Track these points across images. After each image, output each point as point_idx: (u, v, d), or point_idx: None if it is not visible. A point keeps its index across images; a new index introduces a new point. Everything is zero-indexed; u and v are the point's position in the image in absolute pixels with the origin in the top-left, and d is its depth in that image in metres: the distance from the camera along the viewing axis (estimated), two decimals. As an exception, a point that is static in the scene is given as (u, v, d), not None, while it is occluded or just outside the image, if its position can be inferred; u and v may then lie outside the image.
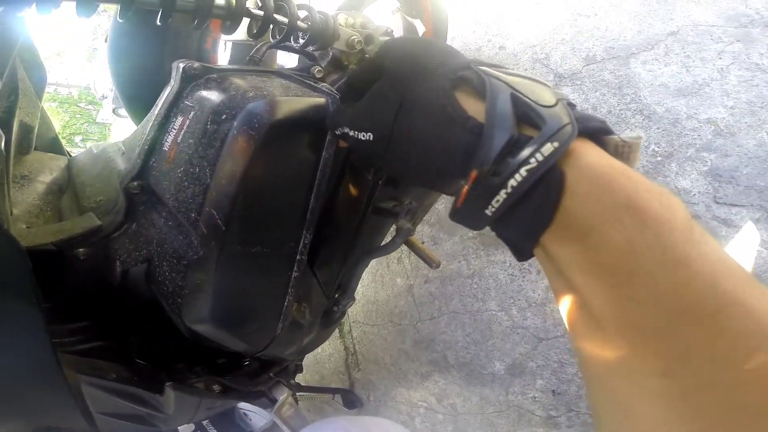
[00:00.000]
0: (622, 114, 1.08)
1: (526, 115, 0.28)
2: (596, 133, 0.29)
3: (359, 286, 0.87)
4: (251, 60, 0.57)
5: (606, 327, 0.25)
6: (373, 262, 1.01)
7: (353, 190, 0.59)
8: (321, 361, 1.58)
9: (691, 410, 0.22)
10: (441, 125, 0.31)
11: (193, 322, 0.53)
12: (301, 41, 0.52)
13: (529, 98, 0.29)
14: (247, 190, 0.46)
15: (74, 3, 0.38)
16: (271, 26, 0.49)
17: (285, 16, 0.48)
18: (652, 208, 0.24)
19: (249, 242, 0.50)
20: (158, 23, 0.42)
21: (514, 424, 1.11)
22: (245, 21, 0.47)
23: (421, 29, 1.01)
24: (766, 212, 0.88)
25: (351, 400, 1.42)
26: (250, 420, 1.13)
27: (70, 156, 0.83)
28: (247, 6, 0.46)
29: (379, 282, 1.44)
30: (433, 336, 1.28)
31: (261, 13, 0.47)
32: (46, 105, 1.06)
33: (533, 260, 0.31)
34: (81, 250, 0.51)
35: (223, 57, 0.85)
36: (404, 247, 0.69)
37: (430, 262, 0.69)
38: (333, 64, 0.55)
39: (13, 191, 0.62)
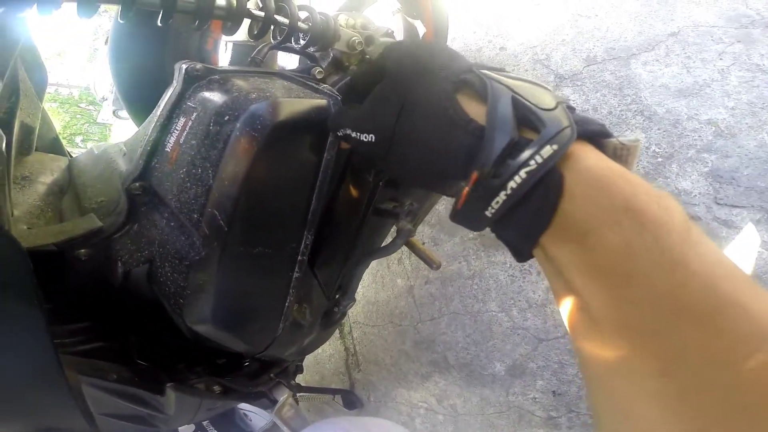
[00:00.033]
0: (622, 115, 1.08)
1: (527, 118, 0.29)
2: (595, 136, 0.29)
3: (360, 286, 0.87)
4: (253, 61, 0.57)
5: (604, 328, 0.25)
6: (374, 263, 1.01)
7: (354, 192, 0.59)
8: (321, 361, 1.58)
9: (689, 410, 0.22)
10: (443, 127, 0.31)
11: (195, 322, 0.53)
12: (302, 42, 0.52)
13: (529, 101, 0.29)
14: (250, 191, 0.46)
15: (75, 4, 0.38)
16: (272, 27, 0.49)
17: (286, 17, 0.48)
18: (650, 211, 0.24)
19: (251, 243, 0.50)
20: (159, 24, 0.43)
21: (514, 424, 1.11)
22: (246, 22, 0.47)
23: (421, 30, 1.01)
24: (767, 213, 0.88)
25: (351, 401, 1.42)
26: (251, 421, 1.13)
27: (71, 157, 0.83)
28: (248, 7, 0.46)
29: (379, 283, 1.44)
30: (434, 337, 1.28)
31: (262, 14, 0.47)
32: (47, 105, 1.06)
33: (533, 261, 0.31)
34: (82, 251, 0.51)
35: (223, 58, 0.85)
36: (405, 248, 0.69)
37: (431, 263, 0.69)
38: (334, 65, 0.55)
39: (14, 192, 0.62)
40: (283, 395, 0.85)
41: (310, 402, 1.55)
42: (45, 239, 0.50)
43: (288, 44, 0.52)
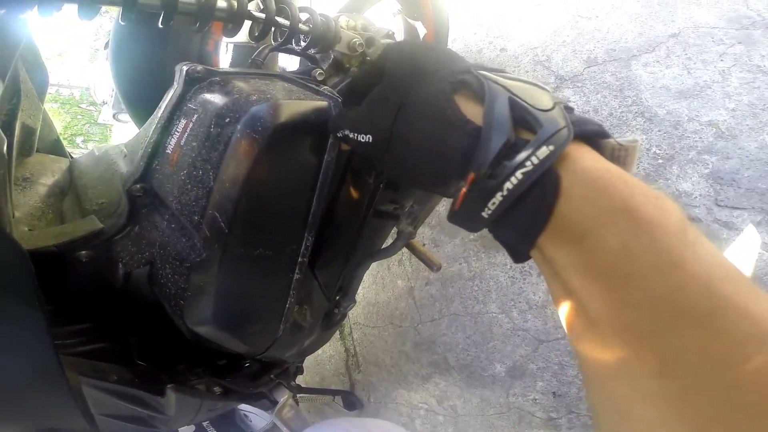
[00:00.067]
0: (623, 116, 1.08)
1: (523, 119, 0.29)
2: (593, 136, 0.29)
3: (360, 288, 0.87)
4: (253, 63, 0.57)
5: (602, 329, 0.25)
6: (374, 265, 1.01)
7: (354, 193, 0.59)
8: (322, 362, 1.58)
9: (688, 411, 0.22)
10: (440, 128, 0.31)
11: (195, 323, 0.54)
12: (303, 44, 0.52)
13: (526, 102, 0.29)
14: (251, 193, 0.46)
15: (76, 6, 0.38)
16: (273, 29, 0.49)
17: (286, 18, 0.48)
18: (647, 212, 0.24)
19: (251, 245, 0.50)
20: (160, 26, 0.43)
21: (514, 425, 1.11)
22: (247, 24, 0.48)
23: (422, 32, 1.01)
24: (767, 215, 0.88)
25: (351, 402, 1.42)
26: (251, 421, 1.13)
27: (72, 158, 0.83)
28: (248, 9, 0.46)
29: (380, 284, 1.44)
30: (434, 338, 1.28)
31: (263, 15, 0.47)
32: (48, 106, 1.06)
33: (533, 263, 0.31)
34: (83, 252, 0.52)
35: (224, 59, 0.85)
36: (405, 250, 0.69)
37: (431, 264, 0.69)
38: (334, 67, 0.56)
39: (15, 194, 0.62)
40: (284, 396, 0.85)
41: (310, 403, 1.55)
42: (46, 241, 0.50)
43: (289, 46, 0.53)
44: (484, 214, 0.29)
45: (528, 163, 0.26)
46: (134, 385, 0.56)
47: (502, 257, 1.19)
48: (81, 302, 0.55)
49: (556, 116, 0.28)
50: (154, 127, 0.51)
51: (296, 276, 0.55)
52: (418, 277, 1.35)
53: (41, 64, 0.79)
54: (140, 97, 0.87)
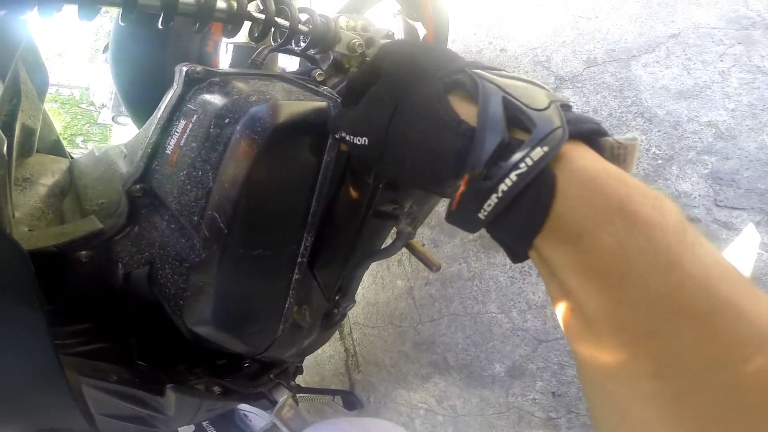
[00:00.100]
0: (622, 117, 1.08)
1: (517, 119, 0.28)
2: (591, 134, 0.29)
3: (360, 288, 0.86)
4: (253, 63, 0.57)
5: (599, 329, 0.25)
6: (374, 265, 1.01)
7: (354, 194, 0.59)
8: (321, 362, 1.58)
9: (687, 412, 0.22)
10: (434, 129, 0.31)
11: (195, 324, 0.54)
12: (303, 44, 0.52)
13: (520, 101, 0.29)
14: (250, 193, 0.46)
15: (76, 6, 0.38)
16: (273, 30, 0.49)
17: (286, 19, 0.48)
18: (644, 212, 0.24)
19: (251, 245, 0.50)
20: (160, 27, 0.43)
21: (514, 425, 1.11)
22: (247, 24, 0.48)
23: (422, 32, 1.01)
24: (767, 215, 0.88)
25: (351, 402, 1.42)
26: (251, 421, 1.13)
27: (72, 158, 0.83)
28: (248, 9, 0.46)
29: (379, 284, 1.44)
30: (434, 338, 1.28)
31: (262, 16, 0.47)
32: (48, 106, 1.07)
33: (533, 263, 0.31)
34: (83, 252, 0.52)
35: (224, 60, 0.85)
36: (405, 250, 0.69)
37: (431, 265, 0.69)
38: (334, 67, 0.56)
39: (15, 194, 0.63)
40: (283, 396, 0.85)
41: (310, 403, 1.55)
42: (46, 241, 0.50)
43: (288, 46, 0.53)
44: (481, 215, 0.29)
45: (522, 165, 0.26)
46: (134, 385, 0.57)
47: (502, 257, 1.19)
48: (81, 302, 0.55)
49: (551, 116, 0.28)
50: (153, 127, 0.51)
51: (295, 276, 0.55)
52: (417, 277, 1.35)
53: (41, 65, 0.79)
54: (140, 98, 0.87)
